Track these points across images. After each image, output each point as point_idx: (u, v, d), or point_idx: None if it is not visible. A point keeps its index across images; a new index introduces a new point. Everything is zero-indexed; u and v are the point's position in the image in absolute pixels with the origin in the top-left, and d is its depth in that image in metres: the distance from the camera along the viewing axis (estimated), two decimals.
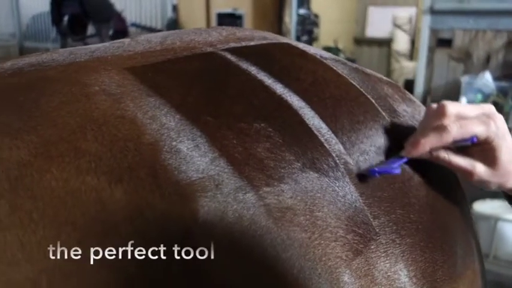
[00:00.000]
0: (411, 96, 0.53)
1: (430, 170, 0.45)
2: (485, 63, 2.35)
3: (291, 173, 0.35)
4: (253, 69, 0.42)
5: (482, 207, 1.78)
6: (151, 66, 0.40)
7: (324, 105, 0.42)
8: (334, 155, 0.38)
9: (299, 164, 0.36)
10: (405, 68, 4.49)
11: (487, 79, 2.15)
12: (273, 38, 0.50)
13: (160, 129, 0.33)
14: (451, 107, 0.41)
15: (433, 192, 0.44)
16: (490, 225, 1.68)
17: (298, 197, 0.34)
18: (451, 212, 0.47)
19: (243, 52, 0.44)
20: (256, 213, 0.32)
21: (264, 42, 0.48)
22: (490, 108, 0.43)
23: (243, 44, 0.46)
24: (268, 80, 0.41)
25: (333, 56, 0.50)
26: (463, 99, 2.18)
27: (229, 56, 0.43)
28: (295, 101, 0.40)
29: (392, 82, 0.52)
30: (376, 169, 0.39)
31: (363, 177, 0.39)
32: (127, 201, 0.29)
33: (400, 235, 0.39)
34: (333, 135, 0.40)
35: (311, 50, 0.49)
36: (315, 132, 0.39)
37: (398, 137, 0.44)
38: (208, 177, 0.32)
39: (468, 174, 0.42)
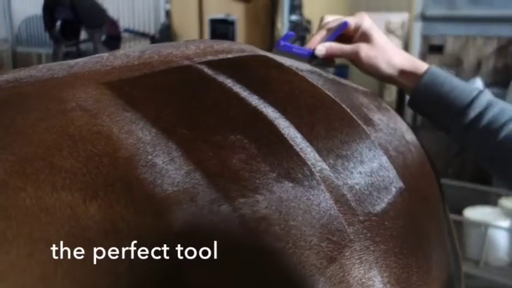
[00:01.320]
0: (387, 105, 0.54)
1: (406, 174, 0.46)
2: (476, 70, 2.37)
3: (266, 183, 0.36)
4: (229, 82, 0.43)
5: (473, 213, 1.79)
6: (128, 81, 0.40)
7: (299, 114, 0.42)
8: (309, 163, 0.39)
9: (274, 174, 0.36)
10: None
11: (477, 85, 2.17)
12: (251, 50, 0.50)
13: (136, 143, 0.34)
14: (327, 15, 0.59)
15: (408, 198, 0.45)
16: (481, 232, 1.68)
17: (273, 207, 0.35)
18: (426, 216, 0.48)
19: (220, 65, 0.45)
20: (230, 224, 0.32)
21: (242, 54, 0.49)
22: (360, 13, 0.58)
23: (221, 56, 0.47)
24: (244, 92, 0.42)
25: (309, 68, 0.51)
26: None
27: (205, 69, 0.44)
28: (270, 112, 0.41)
29: (368, 92, 0.53)
30: (282, 42, 0.58)
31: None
32: (101, 217, 0.29)
33: (374, 242, 0.39)
34: (308, 143, 0.40)
35: (287, 62, 0.50)
36: (290, 142, 0.39)
37: (374, 142, 0.44)
38: (183, 190, 0.32)
39: (356, 54, 0.55)
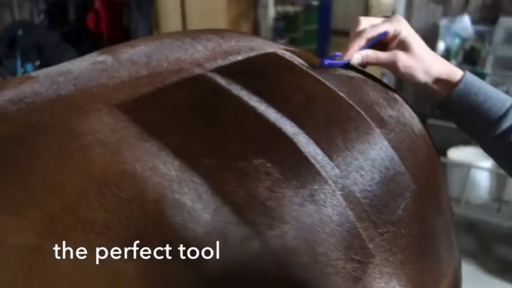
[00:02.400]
0: (393, 93, 0.53)
1: (418, 174, 0.46)
2: (464, 6, 2.32)
3: (291, 210, 0.36)
4: (244, 94, 0.41)
5: (456, 154, 1.85)
6: (141, 100, 0.38)
7: (317, 127, 0.42)
8: (330, 182, 0.39)
9: (298, 199, 0.37)
10: (383, 4, 4.41)
11: (465, 23, 2.14)
12: (259, 47, 0.48)
13: (162, 181, 0.33)
14: (364, 18, 0.54)
15: (420, 198, 0.46)
16: (463, 172, 1.75)
17: (300, 236, 0.35)
18: (435, 213, 0.49)
19: (231, 72, 0.43)
20: (262, 261, 0.33)
21: (252, 54, 0.47)
22: (395, 15, 0.54)
23: (231, 59, 0.45)
24: (261, 107, 0.41)
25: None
26: (441, 44, 2.18)
27: (218, 79, 0.42)
28: (288, 127, 0.40)
29: (376, 84, 0.52)
30: (326, 60, 0.51)
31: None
32: (139, 272, 0.29)
33: (392, 253, 0.41)
34: (328, 160, 0.40)
35: (297, 60, 0.48)
36: (311, 160, 0.39)
37: (388, 146, 0.45)
38: (214, 230, 0.32)
39: (393, 63, 0.52)
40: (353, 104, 0.46)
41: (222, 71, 0.43)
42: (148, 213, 0.31)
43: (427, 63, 0.52)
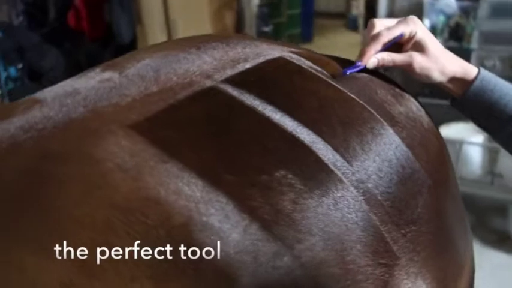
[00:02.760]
0: (399, 89, 0.53)
1: (431, 169, 0.47)
2: None
3: (317, 221, 0.36)
4: (258, 104, 0.41)
5: (448, 131, 1.87)
6: (155, 119, 0.38)
7: (334, 133, 0.41)
8: (352, 188, 0.39)
9: (323, 209, 0.37)
10: None
11: None
12: (265, 52, 0.48)
13: (187, 204, 0.33)
14: (378, 20, 0.53)
15: (435, 193, 0.47)
16: (456, 148, 1.77)
17: (329, 246, 0.35)
18: (449, 205, 0.50)
19: (242, 82, 0.42)
20: (295, 276, 0.33)
21: (259, 61, 0.46)
22: (409, 16, 0.53)
23: (239, 68, 0.44)
24: (276, 116, 0.40)
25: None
26: (426, 21, 2.18)
27: (230, 90, 0.41)
28: (306, 136, 0.40)
29: (382, 82, 0.51)
30: (347, 70, 0.50)
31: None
32: None
33: (416, 252, 0.41)
34: (348, 165, 0.40)
35: (305, 63, 0.48)
36: (331, 167, 0.39)
37: (403, 145, 0.45)
38: (245, 250, 0.32)
39: (409, 65, 0.52)
40: (365, 104, 0.45)
41: (233, 81, 0.42)
42: (177, 239, 0.31)
43: (442, 63, 0.52)
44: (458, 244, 0.48)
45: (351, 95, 0.46)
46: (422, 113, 0.53)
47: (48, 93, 0.42)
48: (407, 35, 0.52)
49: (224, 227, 0.33)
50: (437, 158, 0.50)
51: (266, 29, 2.54)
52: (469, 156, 1.80)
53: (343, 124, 0.42)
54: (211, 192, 0.34)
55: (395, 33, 0.52)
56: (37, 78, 3.35)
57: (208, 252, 0.31)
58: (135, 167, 0.34)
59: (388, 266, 0.38)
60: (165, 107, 0.39)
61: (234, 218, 0.33)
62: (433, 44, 0.52)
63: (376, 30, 0.52)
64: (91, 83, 0.43)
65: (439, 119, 1.97)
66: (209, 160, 0.36)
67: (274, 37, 2.61)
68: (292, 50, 0.51)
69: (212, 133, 0.38)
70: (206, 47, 0.47)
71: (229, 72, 0.44)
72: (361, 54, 0.52)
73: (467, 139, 1.78)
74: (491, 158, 1.81)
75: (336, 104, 0.44)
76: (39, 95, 0.42)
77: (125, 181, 0.33)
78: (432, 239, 0.43)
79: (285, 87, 0.44)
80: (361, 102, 0.46)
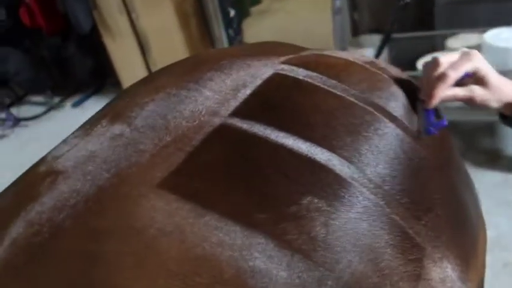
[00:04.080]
0: (384, 76, 0.54)
1: (437, 149, 0.49)
2: None
3: (349, 237, 0.39)
4: (269, 133, 0.42)
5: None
6: (179, 172, 0.39)
7: (344, 144, 0.44)
8: (372, 196, 0.42)
9: (351, 224, 0.39)
10: None
11: None
12: (260, 71, 0.49)
13: (233, 254, 0.35)
14: (442, 58, 0.54)
15: (445, 173, 0.50)
16: None
17: (364, 258, 0.38)
18: (458, 179, 0.53)
19: (249, 113, 0.44)
20: None
21: (257, 83, 0.47)
22: (469, 50, 0.55)
23: (241, 96, 0.46)
24: (289, 141, 0.42)
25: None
26: None
27: (239, 123, 0.43)
28: (321, 155, 0.42)
29: (367, 78, 0.52)
30: (432, 129, 0.51)
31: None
32: None
33: (437, 237, 0.45)
34: (363, 174, 0.42)
35: (299, 73, 0.49)
36: (350, 181, 0.41)
37: (405, 135, 0.47)
38: (293, 284, 0.35)
39: (470, 99, 0.54)
40: (364, 105, 0.47)
41: (240, 113, 0.44)
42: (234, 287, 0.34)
43: (501, 93, 0.55)
44: (471, 215, 0.52)
45: (350, 99, 0.48)
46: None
47: (66, 161, 0.43)
48: (472, 71, 0.53)
49: (270, 268, 0.35)
50: (440, 136, 0.53)
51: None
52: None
53: (350, 133, 0.45)
54: (250, 236, 0.36)
55: (461, 72, 0.52)
56: (4, 83, 3.26)
57: None
58: (177, 228, 0.36)
59: (417, 260, 0.41)
60: (185, 158, 0.41)
61: (276, 256, 0.36)
62: (493, 76, 0.54)
63: (441, 68, 0.53)
64: (104, 142, 0.44)
65: (415, 53, 2.00)
66: (240, 203, 0.38)
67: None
68: (283, 60, 0.52)
69: (235, 174, 0.40)
70: (203, 79, 0.48)
71: (233, 104, 0.45)
72: (429, 96, 0.52)
73: None
74: None
75: (338, 113, 0.46)
76: (56, 164, 0.43)
77: (171, 245, 0.35)
78: (449, 220, 0.47)
79: (289, 107, 0.45)
80: (360, 104, 0.47)
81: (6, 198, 0.43)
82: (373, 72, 0.54)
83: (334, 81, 0.50)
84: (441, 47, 2.03)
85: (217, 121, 0.43)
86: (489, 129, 1.92)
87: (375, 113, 0.47)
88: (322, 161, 0.42)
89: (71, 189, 0.40)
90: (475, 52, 0.55)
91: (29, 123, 3.14)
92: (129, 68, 2.78)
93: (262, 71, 0.49)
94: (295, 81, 0.48)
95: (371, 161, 0.44)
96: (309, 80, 0.49)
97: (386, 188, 0.43)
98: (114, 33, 2.72)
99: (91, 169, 0.41)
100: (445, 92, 0.53)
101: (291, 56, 0.54)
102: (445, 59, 0.53)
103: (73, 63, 3.21)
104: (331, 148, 0.43)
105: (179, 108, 0.45)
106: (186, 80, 0.48)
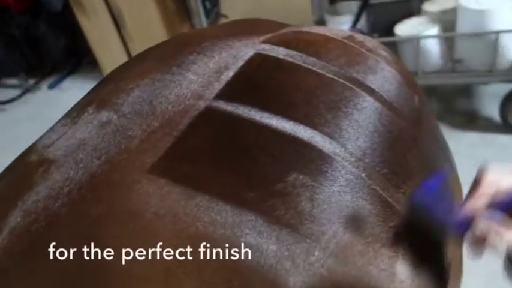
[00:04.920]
0: (360, 49, 0.55)
1: (414, 116, 0.52)
2: None
3: (333, 209, 0.41)
4: (254, 114, 0.44)
5: (403, 29, 1.91)
6: (168, 157, 0.41)
7: (325, 121, 0.45)
8: (354, 169, 0.44)
9: (335, 198, 0.42)
10: None
11: None
12: (241, 52, 0.50)
13: (224, 231, 0.37)
14: (488, 176, 0.41)
15: (419, 142, 0.52)
16: (414, 44, 1.82)
17: (349, 228, 0.41)
18: (434, 145, 0.56)
19: (233, 95, 0.45)
20: (329, 265, 0.39)
21: (239, 64, 0.48)
22: None
23: (224, 78, 0.47)
24: (273, 121, 0.44)
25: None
26: None
27: (224, 106, 0.44)
28: (303, 133, 0.44)
29: (346, 53, 0.54)
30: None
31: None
32: None
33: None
34: (345, 149, 0.45)
35: (280, 52, 0.50)
36: (333, 156, 0.44)
37: (383, 107, 0.50)
38: (283, 257, 0.37)
39: None
40: (344, 81, 0.49)
41: (224, 96, 0.45)
42: (228, 264, 0.36)
43: None
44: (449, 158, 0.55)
45: (329, 76, 0.49)
46: (391, 66, 0.56)
47: (57, 150, 0.44)
48: None
49: (260, 242, 0.38)
50: (416, 105, 0.55)
51: None
52: (428, 50, 1.86)
53: (331, 110, 0.46)
54: (240, 214, 0.38)
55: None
56: None
57: (254, 268, 0.36)
58: (170, 211, 0.38)
59: (397, 226, 0.44)
60: (172, 142, 0.42)
61: (266, 232, 0.38)
62: None
63: (487, 181, 0.41)
64: (93, 130, 0.45)
65: (392, 18, 2.01)
66: (229, 184, 0.40)
67: None
68: (263, 39, 0.53)
69: (223, 156, 0.41)
70: (186, 63, 0.49)
71: (217, 86, 0.46)
72: (467, 207, 0.41)
73: (424, 33, 1.83)
74: (448, 46, 1.87)
75: (318, 91, 0.47)
76: (47, 153, 0.44)
77: (166, 227, 0.37)
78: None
79: (271, 87, 0.47)
80: (340, 80, 0.49)
81: (1, 186, 0.44)
82: (351, 46, 0.55)
83: (313, 59, 0.51)
84: (418, 11, 2.04)
85: (202, 104, 0.45)
86: (466, 91, 1.96)
87: (354, 88, 0.49)
88: (305, 139, 0.43)
89: (64, 177, 0.41)
90: None
91: (6, 107, 3.07)
92: (105, 45, 2.72)
93: (244, 51, 0.50)
94: (276, 60, 0.49)
95: (351, 136, 0.46)
96: (289, 59, 0.50)
97: (366, 160, 0.45)
98: (88, 10, 2.65)
99: (82, 157, 0.42)
100: (493, 226, 0.39)
101: (271, 35, 0.55)
102: (498, 172, 0.41)
103: (46, 42, 3.13)
104: (313, 125, 0.44)
105: (164, 93, 0.46)
106: (170, 64, 0.49)
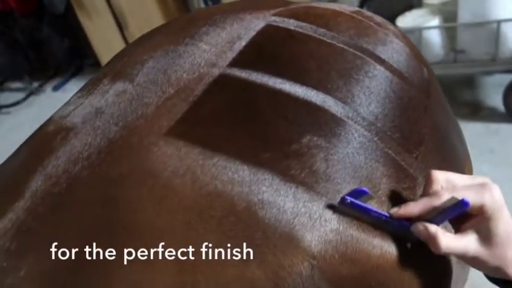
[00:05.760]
0: (369, 23, 0.56)
1: (424, 86, 0.53)
2: None
3: (347, 169, 0.42)
4: (267, 80, 0.45)
5: (404, 21, 1.92)
6: (185, 120, 0.42)
7: (338, 87, 0.46)
8: (366, 132, 0.45)
9: (350, 158, 0.42)
10: None
11: None
12: (252, 23, 0.51)
13: (242, 189, 0.38)
14: (440, 174, 0.41)
15: (430, 110, 0.53)
16: (416, 36, 1.83)
17: (362, 186, 0.42)
18: (444, 116, 0.57)
19: (246, 62, 0.46)
20: (344, 222, 0.39)
21: (252, 35, 0.49)
22: (483, 179, 0.40)
23: (237, 47, 0.48)
24: (286, 86, 0.44)
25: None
26: None
27: (238, 73, 0.45)
28: (316, 97, 0.44)
29: (356, 26, 0.54)
30: (348, 199, 0.39)
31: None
32: (265, 276, 0.35)
33: (427, 168, 0.47)
34: (357, 113, 0.45)
35: (289, 23, 0.51)
36: (345, 119, 0.44)
37: (393, 76, 0.50)
38: (300, 214, 0.38)
39: (463, 256, 0.40)
40: (354, 51, 0.50)
41: (237, 64, 0.46)
42: (247, 219, 0.37)
43: (504, 261, 0.39)
44: (457, 148, 0.55)
45: (340, 45, 0.50)
46: (399, 39, 0.57)
47: (74, 118, 0.45)
48: (477, 207, 0.38)
49: (277, 200, 0.38)
50: (426, 76, 0.56)
51: None
52: (430, 41, 1.87)
53: (343, 77, 0.47)
54: (257, 173, 0.39)
55: (456, 199, 0.38)
56: None
57: (272, 223, 0.37)
58: (188, 170, 0.38)
59: (410, 188, 0.45)
60: (189, 107, 0.43)
61: (282, 189, 0.39)
62: (503, 230, 0.38)
63: (435, 186, 0.40)
64: (109, 98, 0.45)
65: (393, 10, 2.02)
66: (245, 145, 0.41)
67: None
68: (273, 12, 0.54)
69: (239, 119, 0.42)
70: (199, 34, 0.50)
71: (230, 55, 0.47)
72: (403, 206, 0.40)
73: (425, 24, 1.83)
74: (450, 36, 1.88)
75: (330, 59, 0.48)
76: (65, 122, 0.45)
77: (185, 185, 0.38)
78: (437, 153, 0.50)
79: (284, 55, 0.48)
80: (351, 49, 0.50)
81: (20, 157, 0.45)
82: (360, 20, 0.56)
83: (323, 30, 0.52)
84: (419, 4, 2.05)
85: (216, 72, 0.45)
86: (469, 82, 1.97)
87: (364, 57, 0.50)
88: (318, 103, 0.44)
89: (82, 143, 0.42)
90: (492, 184, 0.39)
91: (11, 110, 3.09)
92: (108, 46, 2.74)
93: (255, 23, 0.51)
94: (287, 31, 0.50)
95: (363, 101, 0.46)
96: (300, 29, 0.51)
97: (379, 125, 0.46)
98: (90, 11, 2.67)
99: (99, 124, 0.43)
100: (438, 233, 0.38)
101: (281, 9, 0.55)
102: (443, 175, 0.41)
103: (49, 45, 3.15)
104: (325, 91, 0.45)
105: (178, 62, 0.47)
106: (182, 35, 0.50)
